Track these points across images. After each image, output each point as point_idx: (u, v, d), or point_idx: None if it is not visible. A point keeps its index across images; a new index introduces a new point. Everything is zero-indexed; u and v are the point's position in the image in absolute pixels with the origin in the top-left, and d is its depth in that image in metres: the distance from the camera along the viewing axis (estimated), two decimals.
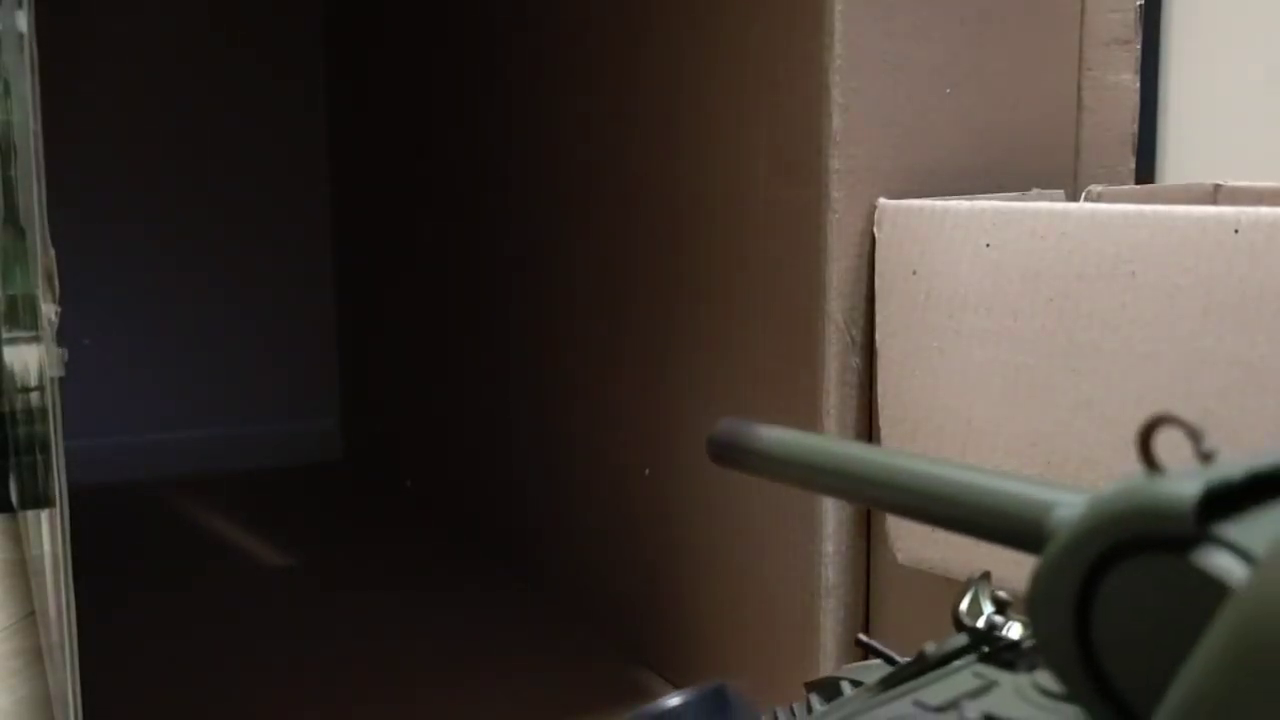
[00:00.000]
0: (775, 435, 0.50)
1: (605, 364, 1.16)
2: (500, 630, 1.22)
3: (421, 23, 1.54)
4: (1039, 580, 0.30)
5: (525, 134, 1.30)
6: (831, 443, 0.49)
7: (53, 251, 0.70)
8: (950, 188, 0.88)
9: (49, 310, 0.69)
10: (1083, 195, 0.94)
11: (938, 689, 0.42)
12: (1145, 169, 1.08)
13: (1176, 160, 1.20)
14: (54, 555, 0.77)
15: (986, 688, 0.38)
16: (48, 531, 0.78)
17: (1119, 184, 0.98)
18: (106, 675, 0.96)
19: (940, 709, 0.39)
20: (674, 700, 0.51)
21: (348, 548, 1.54)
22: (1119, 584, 0.29)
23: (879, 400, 0.86)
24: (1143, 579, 0.28)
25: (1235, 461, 0.29)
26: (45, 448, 0.74)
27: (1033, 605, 0.31)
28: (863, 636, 0.52)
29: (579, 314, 1.20)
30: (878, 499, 0.44)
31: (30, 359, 0.75)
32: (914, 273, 0.83)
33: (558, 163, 1.24)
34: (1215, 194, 0.97)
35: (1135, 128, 0.98)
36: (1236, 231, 0.67)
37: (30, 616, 1.04)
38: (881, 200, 0.86)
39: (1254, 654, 0.25)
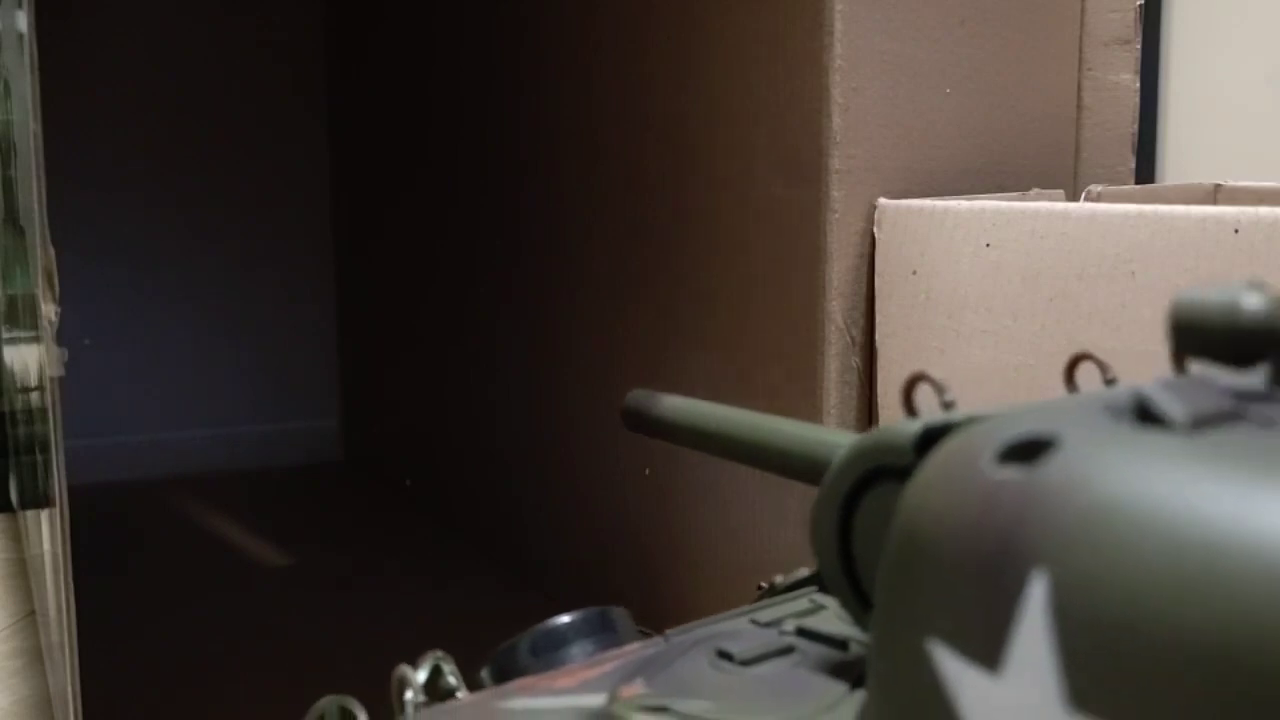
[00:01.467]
0: (672, 403, 0.58)
1: (605, 364, 1.16)
2: (500, 629, 1.21)
3: (422, 23, 1.54)
4: (816, 506, 0.37)
5: (525, 135, 1.30)
6: (714, 408, 0.58)
7: (52, 251, 0.70)
8: (950, 188, 0.88)
9: (49, 310, 0.69)
10: (1082, 195, 0.94)
11: (773, 610, 0.51)
12: (1145, 169, 1.08)
13: (1176, 160, 1.20)
14: (54, 555, 0.77)
15: (814, 610, 0.44)
16: (48, 531, 0.78)
17: (1119, 184, 0.98)
18: (106, 675, 0.96)
19: (766, 625, 0.48)
20: (562, 619, 0.56)
21: (347, 547, 1.54)
22: (867, 507, 0.36)
23: (879, 400, 0.86)
24: (881, 503, 0.35)
25: (966, 410, 0.36)
26: (45, 447, 0.74)
27: (812, 527, 0.37)
28: (763, 584, 0.59)
29: (579, 314, 1.20)
30: (733, 453, 0.54)
31: (30, 359, 0.75)
32: (914, 273, 0.83)
33: (558, 164, 1.23)
34: (1215, 194, 0.97)
35: (1135, 128, 0.98)
36: (1236, 231, 0.67)
37: (30, 616, 1.04)
38: (881, 200, 0.86)
39: (901, 546, 0.31)
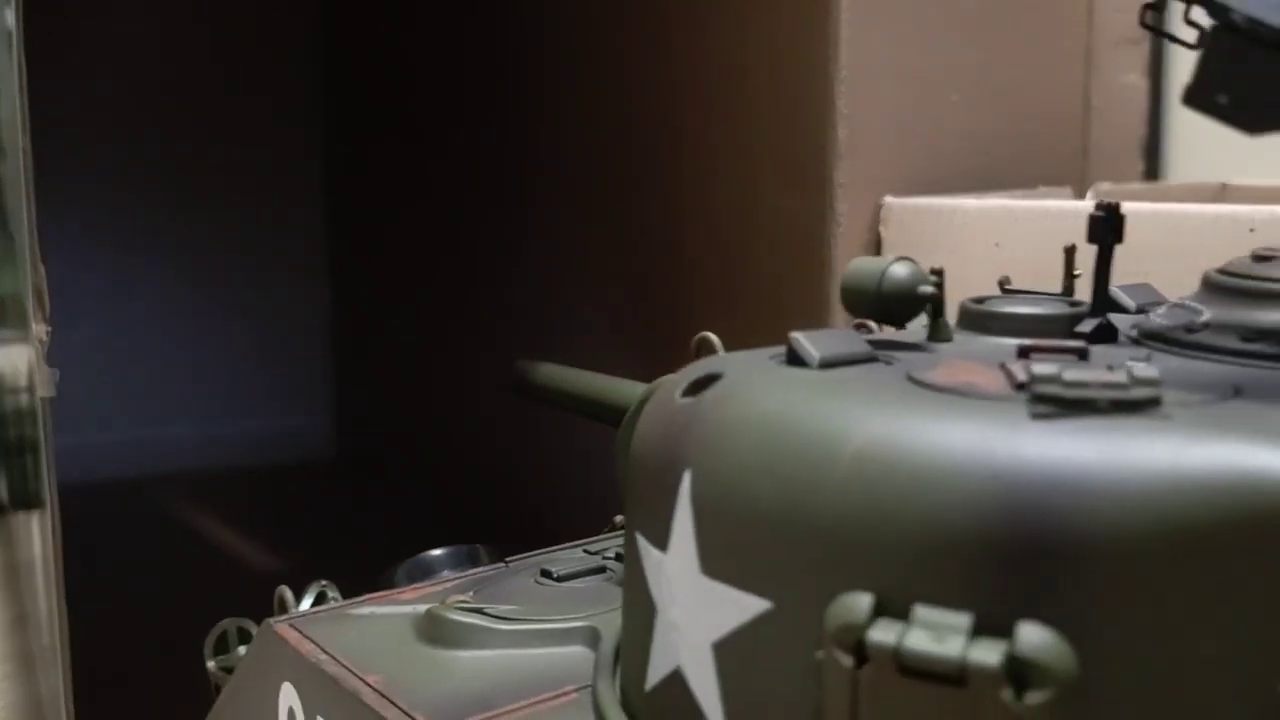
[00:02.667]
0: (548, 369, 0.71)
1: (609, 370, 1.14)
2: None
3: (422, 23, 1.53)
4: (618, 435, 0.46)
5: (525, 140, 1.29)
6: (575, 372, 0.73)
7: (43, 269, 0.69)
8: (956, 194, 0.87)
9: (39, 330, 0.68)
10: (1089, 193, 0.92)
11: (605, 542, 0.62)
12: (1150, 166, 1.07)
13: (1180, 158, 1.19)
14: (44, 558, 0.76)
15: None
16: (38, 534, 0.77)
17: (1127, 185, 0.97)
18: (97, 679, 0.95)
19: (594, 553, 0.60)
20: (433, 552, 0.69)
21: (341, 545, 1.52)
22: None
23: None
24: None
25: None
26: (35, 449, 0.73)
27: (616, 451, 0.46)
28: (618, 519, 0.66)
29: (579, 324, 1.19)
30: (578, 409, 0.66)
31: (19, 360, 0.74)
32: None
33: (560, 170, 1.22)
34: (1222, 192, 0.96)
35: (1145, 129, 0.97)
36: (1252, 230, 0.66)
37: (20, 620, 1.02)
38: (887, 199, 0.85)
39: (628, 462, 0.41)
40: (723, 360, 0.43)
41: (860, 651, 0.31)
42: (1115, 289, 0.50)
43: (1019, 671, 0.30)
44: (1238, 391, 0.35)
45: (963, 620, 0.30)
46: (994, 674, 0.29)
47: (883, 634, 0.31)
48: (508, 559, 0.64)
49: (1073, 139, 0.95)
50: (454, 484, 1.55)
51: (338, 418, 1.94)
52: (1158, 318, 0.45)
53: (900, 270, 0.45)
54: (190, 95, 1.80)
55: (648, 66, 1.06)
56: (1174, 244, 0.69)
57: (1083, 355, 0.37)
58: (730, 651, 0.36)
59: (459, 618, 0.53)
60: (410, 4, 1.55)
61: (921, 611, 0.31)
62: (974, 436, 0.32)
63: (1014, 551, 0.30)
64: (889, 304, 0.45)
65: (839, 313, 0.86)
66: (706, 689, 0.37)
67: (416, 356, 1.63)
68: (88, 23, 1.72)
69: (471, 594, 0.58)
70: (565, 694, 0.47)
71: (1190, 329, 0.42)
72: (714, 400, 0.39)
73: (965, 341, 0.45)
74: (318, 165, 1.90)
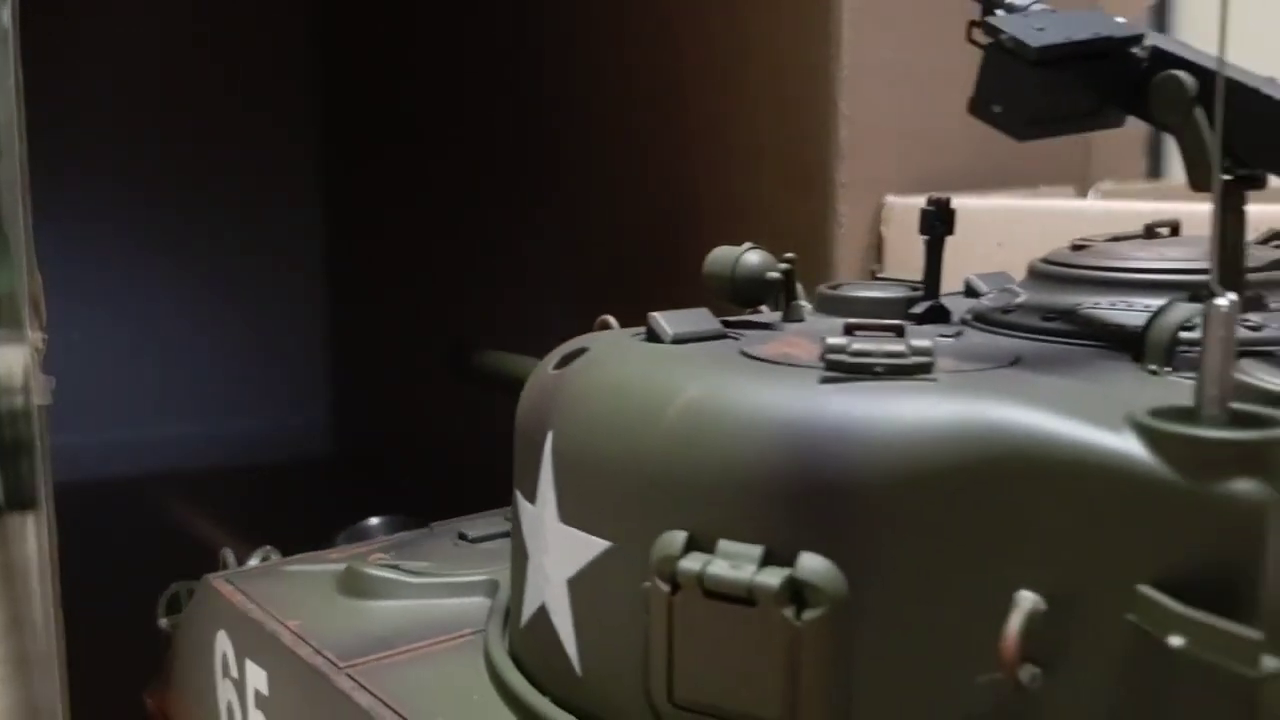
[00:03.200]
0: (490, 355, 0.76)
1: None
2: None
3: (423, 25, 1.53)
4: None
5: (525, 141, 1.29)
6: (514, 357, 0.76)
7: (39, 277, 0.68)
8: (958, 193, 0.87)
9: (36, 338, 0.68)
10: (1091, 192, 0.92)
11: (492, 519, 0.69)
12: (1152, 165, 1.07)
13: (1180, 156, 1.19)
14: (40, 560, 0.75)
15: None
16: (33, 536, 0.76)
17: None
18: (94, 683, 0.94)
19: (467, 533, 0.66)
20: (370, 520, 0.77)
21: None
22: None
23: None
24: None
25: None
26: (30, 450, 0.73)
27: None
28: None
29: (579, 323, 1.18)
30: (501, 387, 0.68)
31: (14, 361, 0.74)
32: None
33: (560, 171, 1.22)
34: None
35: (1148, 127, 0.97)
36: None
37: (14, 623, 1.02)
38: (889, 198, 0.85)
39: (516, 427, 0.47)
40: (592, 337, 0.49)
41: (674, 580, 0.38)
42: (972, 276, 0.55)
43: (798, 593, 0.36)
44: (1015, 361, 0.41)
45: (755, 551, 0.37)
46: (776, 595, 0.36)
47: (691, 564, 0.37)
48: (432, 524, 0.72)
49: (1075, 138, 0.95)
50: (453, 483, 1.54)
51: (337, 417, 1.94)
52: (986, 301, 0.51)
53: (752, 258, 0.52)
54: (189, 95, 1.79)
55: (648, 67, 1.05)
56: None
57: (899, 332, 0.41)
58: (581, 587, 0.42)
59: (373, 572, 0.61)
60: (411, 7, 1.54)
61: (724, 545, 0.37)
62: (771, 396, 0.38)
63: (795, 493, 0.37)
64: (741, 288, 0.52)
65: None
66: (563, 620, 0.43)
67: (416, 356, 1.62)
68: (86, 22, 1.71)
69: (391, 553, 0.65)
70: (462, 635, 0.54)
71: (1005, 310, 0.48)
72: (575, 370, 0.45)
73: (814, 322, 0.51)
74: (316, 164, 1.89)
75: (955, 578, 0.35)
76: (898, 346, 0.38)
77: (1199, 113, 0.39)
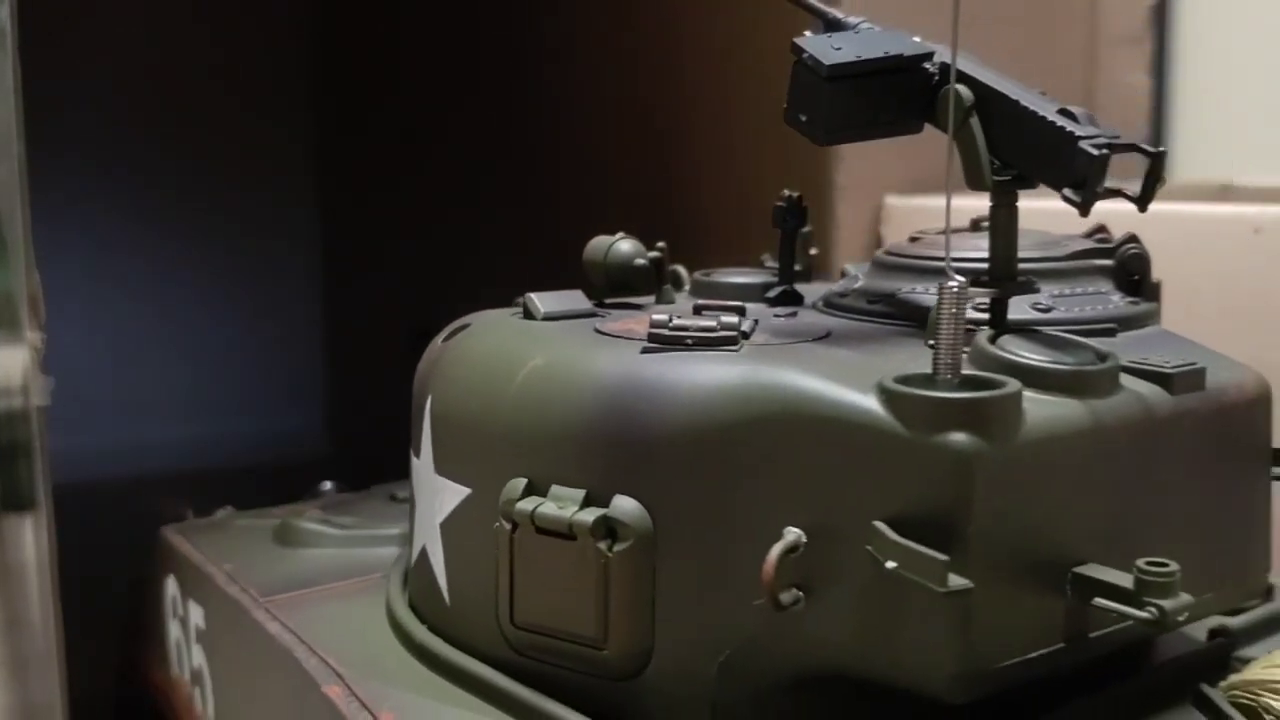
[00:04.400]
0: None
1: None
2: None
3: (420, 21, 1.53)
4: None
5: (525, 142, 1.29)
6: None
7: (38, 277, 0.68)
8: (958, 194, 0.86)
9: (34, 338, 0.68)
10: None
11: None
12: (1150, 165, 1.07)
13: (1184, 157, 1.19)
14: (39, 561, 0.75)
15: None
16: (30, 537, 0.76)
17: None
18: (92, 685, 0.94)
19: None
20: (325, 485, 0.84)
21: None
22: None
23: None
24: None
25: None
26: (27, 451, 0.73)
27: None
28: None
29: None
30: None
31: (11, 362, 0.73)
32: None
33: (558, 174, 1.22)
34: (1225, 192, 0.95)
35: (1148, 128, 0.97)
36: (1257, 232, 0.66)
37: (11, 624, 1.01)
38: (888, 198, 0.84)
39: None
40: (478, 315, 0.55)
41: (514, 519, 0.44)
42: (849, 266, 0.58)
43: (610, 529, 0.42)
44: (824, 336, 0.47)
45: (578, 494, 0.43)
46: (591, 530, 0.42)
47: (526, 505, 0.44)
48: (372, 486, 0.79)
49: None
50: None
51: (333, 418, 1.94)
52: (834, 286, 0.56)
53: (623, 246, 0.57)
54: (187, 96, 1.79)
55: (648, 68, 1.05)
56: (1178, 243, 0.68)
57: (740, 311, 0.47)
58: (450, 529, 0.49)
59: (303, 524, 0.70)
60: (411, 7, 1.54)
61: (554, 489, 0.44)
62: (597, 364, 0.45)
63: (610, 444, 0.43)
64: (614, 274, 0.57)
65: None
66: (437, 558, 0.50)
67: (410, 356, 1.62)
68: (85, 21, 1.71)
69: (327, 510, 0.73)
70: (370, 578, 0.60)
71: (842, 294, 0.53)
72: (455, 342, 0.52)
73: (681, 303, 0.56)
74: (312, 166, 1.89)
75: (738, 515, 0.42)
76: (710, 322, 0.45)
77: (974, 122, 0.45)
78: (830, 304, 0.54)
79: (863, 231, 0.84)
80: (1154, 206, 0.72)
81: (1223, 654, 0.47)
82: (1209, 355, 0.48)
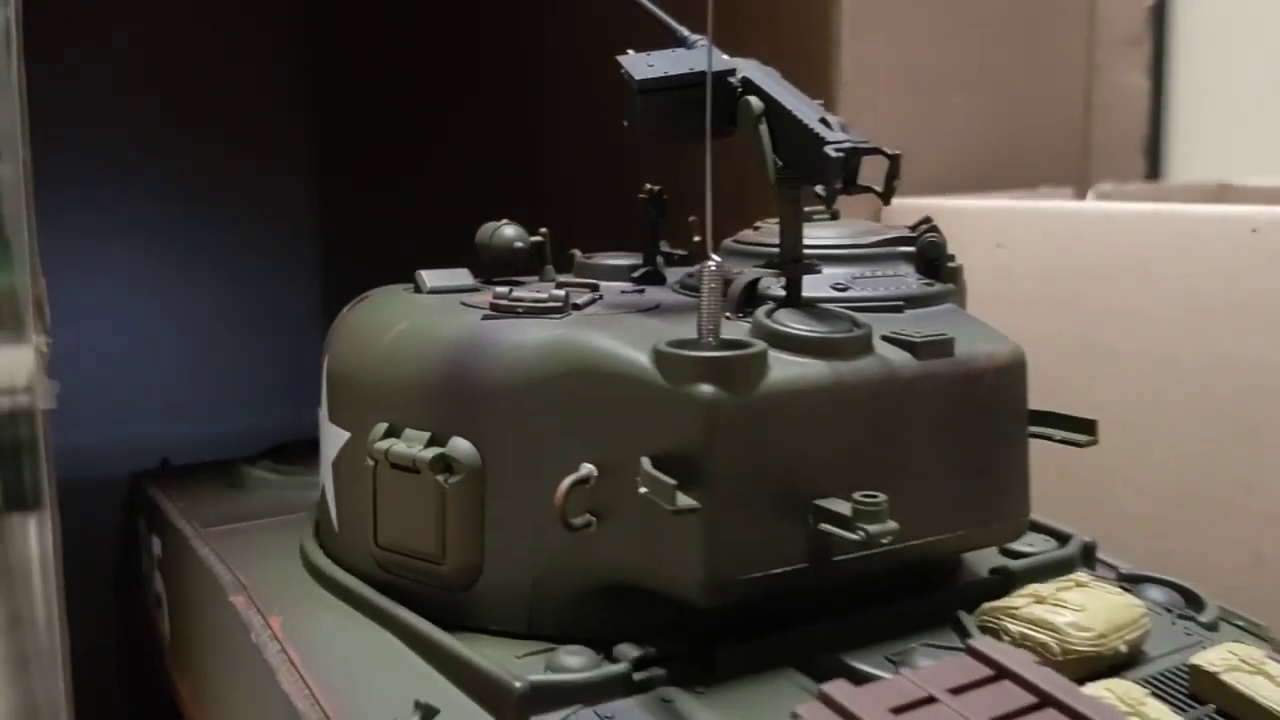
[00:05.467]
0: None
1: None
2: None
3: (421, 21, 1.53)
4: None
5: (523, 142, 1.29)
6: None
7: (43, 280, 0.68)
8: (958, 194, 0.87)
9: (40, 342, 0.68)
10: (1089, 193, 0.92)
11: None
12: (1151, 166, 1.07)
13: (1182, 158, 1.19)
14: (43, 560, 0.75)
15: None
16: (35, 536, 0.76)
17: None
18: (94, 684, 0.94)
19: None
20: (290, 442, 0.92)
21: None
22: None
23: None
24: None
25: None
26: (32, 451, 0.73)
27: None
28: None
29: None
30: None
31: (15, 362, 0.73)
32: None
33: (558, 170, 1.22)
34: (1222, 192, 0.96)
35: (1146, 129, 0.97)
36: (1254, 231, 0.66)
37: (15, 622, 1.01)
38: None
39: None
40: (381, 289, 0.63)
41: (376, 457, 0.52)
42: (714, 255, 0.62)
43: (446, 464, 0.50)
44: (650, 309, 0.54)
45: (424, 436, 0.51)
46: (431, 465, 0.50)
47: (383, 445, 0.52)
48: None
49: (1074, 139, 0.95)
50: None
51: None
52: (689, 269, 0.62)
53: (506, 230, 0.65)
54: (188, 96, 1.79)
55: None
56: (1176, 244, 0.69)
57: (594, 288, 0.57)
58: (337, 467, 0.57)
59: (252, 470, 0.81)
60: (412, 7, 1.55)
61: (407, 432, 0.52)
62: (446, 328, 0.53)
63: (450, 394, 0.51)
64: (497, 255, 0.64)
65: None
66: (330, 493, 0.58)
67: None
68: (85, 21, 1.71)
69: (279, 458, 0.84)
70: (298, 515, 0.68)
71: (690, 275, 0.59)
72: (352, 311, 0.60)
73: (563, 280, 0.62)
74: (313, 166, 1.89)
75: (548, 454, 0.49)
76: (541, 295, 0.52)
77: (763, 128, 0.52)
78: (681, 283, 0.60)
79: None
80: (1153, 206, 0.72)
81: (996, 589, 0.52)
82: (981, 332, 0.54)
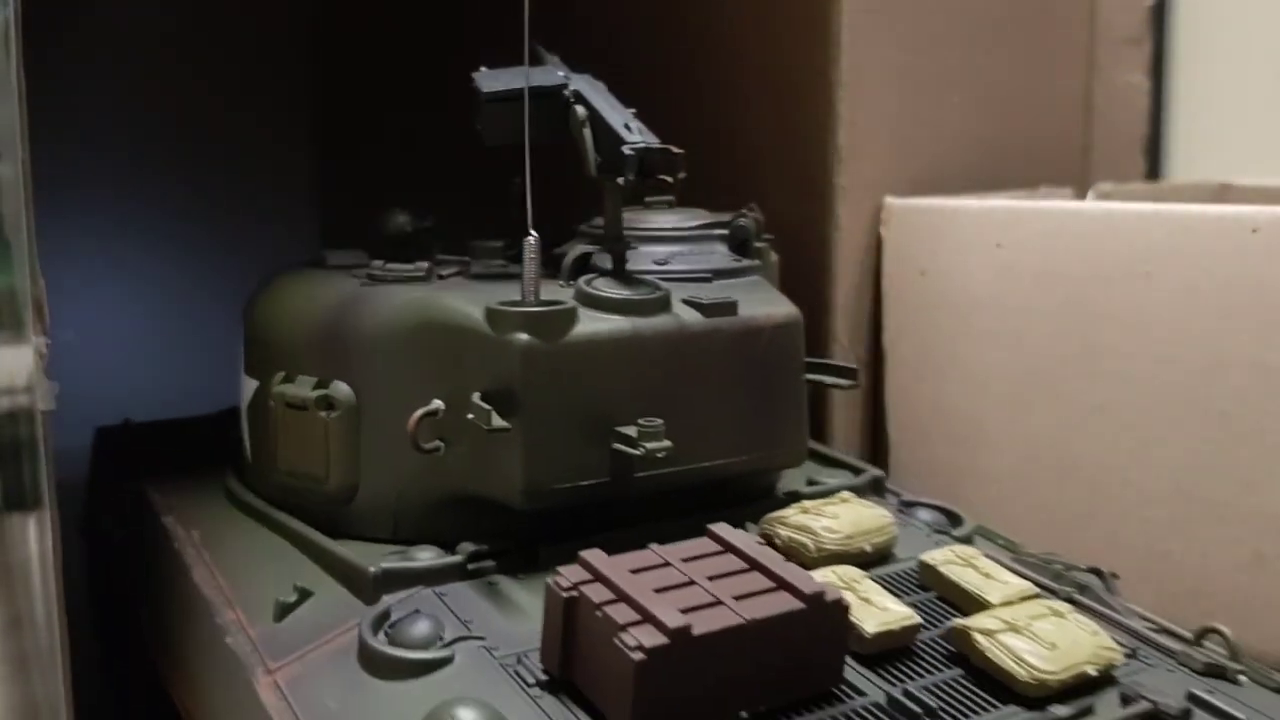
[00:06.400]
0: None
1: None
2: None
3: (418, 19, 1.52)
4: None
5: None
6: None
7: (42, 281, 0.68)
8: (958, 194, 0.86)
9: (39, 343, 0.68)
10: (1090, 193, 0.92)
11: None
12: (1151, 166, 1.07)
13: (1182, 158, 1.19)
14: (42, 560, 0.75)
15: None
16: (34, 535, 0.76)
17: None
18: (95, 682, 0.94)
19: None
20: None
21: None
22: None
23: (887, 404, 0.84)
24: None
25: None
26: (32, 450, 0.73)
27: None
28: None
29: None
30: None
31: (14, 361, 0.73)
32: (922, 273, 0.81)
33: (559, 169, 1.22)
34: (1222, 192, 0.95)
35: (1147, 129, 0.97)
36: (1255, 231, 0.66)
37: (14, 622, 1.01)
38: (889, 199, 0.85)
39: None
40: (289, 266, 0.73)
41: (275, 399, 0.65)
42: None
43: (329, 403, 0.63)
44: (501, 279, 0.66)
45: (312, 380, 0.64)
46: (315, 403, 0.63)
47: (282, 389, 0.64)
48: None
49: (1074, 139, 0.95)
50: None
51: None
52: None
53: (399, 218, 0.77)
54: (188, 96, 1.79)
55: (647, 69, 1.05)
56: (1176, 244, 0.69)
57: (465, 264, 0.71)
58: (250, 410, 0.69)
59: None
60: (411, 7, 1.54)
61: (299, 378, 0.64)
62: (332, 292, 0.65)
63: (331, 344, 0.63)
64: (390, 239, 0.73)
65: (839, 312, 0.86)
66: (245, 432, 0.70)
67: None
68: (85, 21, 1.71)
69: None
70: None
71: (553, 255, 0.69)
72: (264, 283, 0.71)
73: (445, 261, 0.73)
74: (310, 158, 1.89)
75: (409, 392, 0.59)
76: (409, 266, 0.66)
77: (586, 132, 0.62)
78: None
79: (863, 232, 0.84)
80: (1153, 207, 0.72)
81: (785, 507, 0.62)
82: (768, 297, 0.65)
